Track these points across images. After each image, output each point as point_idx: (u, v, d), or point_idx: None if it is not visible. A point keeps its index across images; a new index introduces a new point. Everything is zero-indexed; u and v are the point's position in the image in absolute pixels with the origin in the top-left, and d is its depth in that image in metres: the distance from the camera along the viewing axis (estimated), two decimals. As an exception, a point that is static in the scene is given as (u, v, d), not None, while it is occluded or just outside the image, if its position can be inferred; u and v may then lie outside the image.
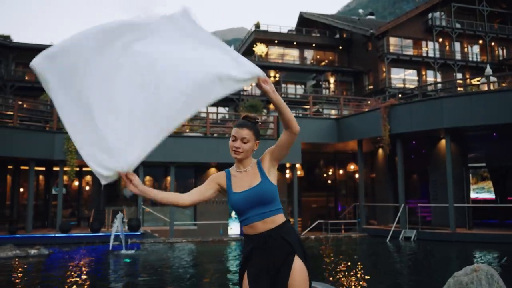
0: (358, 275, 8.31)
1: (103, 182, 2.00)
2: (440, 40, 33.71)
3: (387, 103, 15.84)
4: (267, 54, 35.95)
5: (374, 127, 16.26)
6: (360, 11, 52.16)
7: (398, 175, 15.86)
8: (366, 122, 16.95)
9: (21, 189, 17.90)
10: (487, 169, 15.88)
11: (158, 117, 1.97)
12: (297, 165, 18.43)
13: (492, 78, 16.41)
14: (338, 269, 9.16)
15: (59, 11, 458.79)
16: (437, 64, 32.61)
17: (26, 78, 29.19)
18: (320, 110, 29.25)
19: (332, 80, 35.62)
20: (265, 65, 33.63)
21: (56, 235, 14.73)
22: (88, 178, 20.53)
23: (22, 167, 17.30)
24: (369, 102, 19.80)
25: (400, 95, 19.30)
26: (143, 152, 1.98)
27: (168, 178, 17.55)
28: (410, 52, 33.30)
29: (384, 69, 31.97)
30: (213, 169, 17.77)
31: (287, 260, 2.27)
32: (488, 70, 17.52)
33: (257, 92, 33.55)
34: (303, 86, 35.89)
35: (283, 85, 34.74)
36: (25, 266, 9.87)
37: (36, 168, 16.73)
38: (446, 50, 33.85)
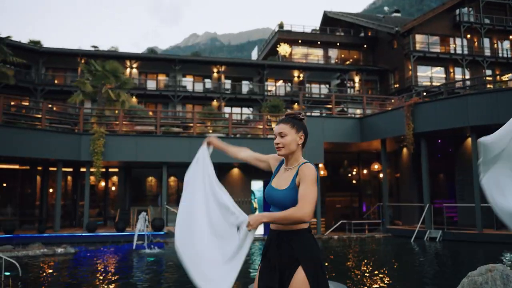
0: (376, 275, 8.22)
1: None
2: (468, 36, 32.90)
3: (411, 102, 15.58)
4: (291, 54, 35.87)
5: (397, 126, 16.02)
6: (386, 8, 51.45)
7: (423, 174, 15.57)
8: (389, 121, 16.71)
9: (50, 190, 18.43)
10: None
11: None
12: (320, 165, 18.33)
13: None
14: (357, 269, 9.08)
15: (86, 16, 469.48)
16: (465, 61, 31.85)
17: (56, 81, 30.07)
18: (345, 109, 29.03)
19: (357, 79, 35.26)
20: (289, 65, 33.59)
21: (83, 234, 15.11)
22: (115, 178, 20.97)
23: (50, 168, 17.82)
24: (392, 100, 19.51)
25: (425, 93, 18.94)
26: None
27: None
28: (437, 49, 32.62)
29: (410, 67, 31.43)
30: (236, 169, 17.88)
31: (292, 268, 2.27)
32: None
33: (281, 92, 33.55)
34: (327, 86, 35.65)
35: (307, 85, 34.59)
36: (52, 264, 10.17)
37: (64, 169, 17.23)
38: (475, 46, 33.01)
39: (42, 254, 11.53)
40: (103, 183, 20.10)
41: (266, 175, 18.09)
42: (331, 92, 33.03)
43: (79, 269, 9.82)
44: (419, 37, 32.31)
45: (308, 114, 22.77)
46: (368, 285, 7.25)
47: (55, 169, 16.53)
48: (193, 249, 2.35)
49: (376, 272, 8.63)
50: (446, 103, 14.91)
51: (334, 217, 19.62)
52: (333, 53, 37.30)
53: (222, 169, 17.64)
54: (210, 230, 2.40)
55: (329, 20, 39.74)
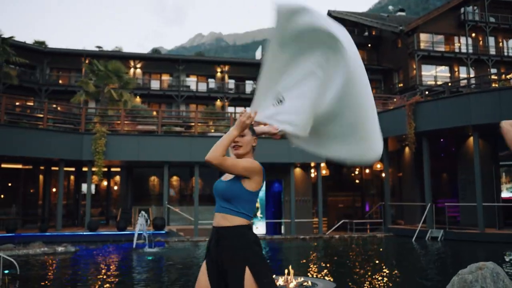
0: (372, 273, 8.17)
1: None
2: (473, 35, 32.68)
3: (412, 100, 15.50)
4: (294, 53, 35.77)
5: (399, 125, 15.94)
6: (390, 7, 51.32)
7: (425, 173, 15.49)
8: (391, 120, 16.63)
9: (54, 189, 18.52)
10: (519, 167, 15.31)
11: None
12: (322, 164, 18.28)
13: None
14: (354, 268, 9.04)
15: (92, 17, 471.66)
16: (470, 59, 31.63)
17: (60, 82, 30.22)
18: (349, 109, 28.94)
19: (361, 78, 35.07)
20: (292, 64, 33.47)
21: (84, 233, 15.17)
22: (117, 178, 21.04)
23: (53, 168, 17.90)
24: (395, 99, 19.42)
25: (427, 92, 18.83)
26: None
27: (193, 178, 17.74)
28: (441, 48, 32.42)
29: (414, 66, 31.27)
30: (237, 169, 17.85)
31: (234, 266, 2.28)
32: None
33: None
34: (331, 85, 35.49)
35: (311, 85, 34.47)
36: (51, 262, 10.21)
37: (66, 168, 17.31)
38: (480, 45, 32.78)
39: (42, 253, 11.58)
40: (105, 183, 20.17)
41: (268, 175, 18.08)
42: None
43: (77, 267, 9.86)
44: (423, 36, 32.14)
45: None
46: (362, 283, 7.21)
47: (57, 168, 16.61)
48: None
49: (372, 271, 8.58)
50: (448, 102, 14.82)
51: (337, 217, 19.57)
52: (337, 52, 37.16)
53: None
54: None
55: (333, 20, 39.59)
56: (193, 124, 18.33)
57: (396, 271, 8.74)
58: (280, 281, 4.16)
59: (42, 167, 18.19)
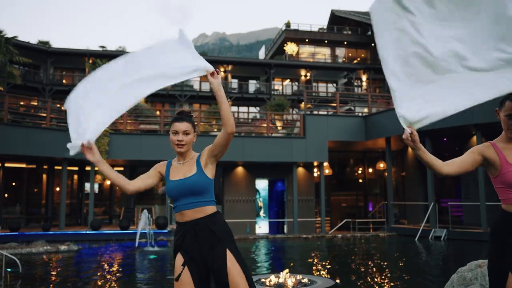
0: (372, 272, 8.15)
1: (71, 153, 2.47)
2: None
3: (415, 99, 15.43)
4: (298, 53, 35.79)
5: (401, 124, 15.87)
6: (394, 7, 51.05)
7: (428, 173, 15.43)
8: (394, 119, 16.52)
9: (57, 188, 18.58)
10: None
11: (114, 102, 2.45)
12: (325, 164, 18.26)
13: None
14: (355, 266, 9.02)
15: (94, 17, 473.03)
16: (474, 59, 31.48)
17: (64, 81, 30.32)
18: (352, 108, 28.87)
19: (364, 78, 35.06)
20: (295, 64, 33.52)
21: (87, 232, 15.22)
22: (120, 177, 21.10)
23: (56, 167, 17.97)
24: (398, 98, 19.34)
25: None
26: (97, 129, 2.44)
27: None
28: (445, 47, 32.26)
29: (418, 66, 31.13)
30: (240, 168, 17.87)
31: (216, 250, 2.35)
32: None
33: (288, 91, 33.49)
34: (334, 85, 35.51)
35: (314, 84, 34.49)
36: (53, 261, 10.25)
37: (69, 168, 17.36)
38: (484, 44, 32.63)
39: (45, 251, 11.63)
40: (108, 182, 20.22)
41: (271, 174, 18.02)
42: (338, 91, 32.88)
43: (80, 266, 9.89)
44: (427, 35, 32.01)
45: (315, 112, 22.71)
46: (362, 281, 7.20)
47: (60, 167, 16.67)
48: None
49: (373, 269, 8.56)
50: (451, 101, 14.74)
51: (339, 216, 19.55)
52: (341, 52, 37.15)
53: (226, 168, 17.66)
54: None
55: (337, 19, 39.59)
56: (195, 123, 18.34)
57: (397, 270, 8.71)
58: (279, 278, 4.16)
59: (45, 166, 18.27)
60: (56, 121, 18.52)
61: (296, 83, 34.33)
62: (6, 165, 16.98)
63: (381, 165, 20.58)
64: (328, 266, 9.18)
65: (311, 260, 10.20)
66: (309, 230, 17.37)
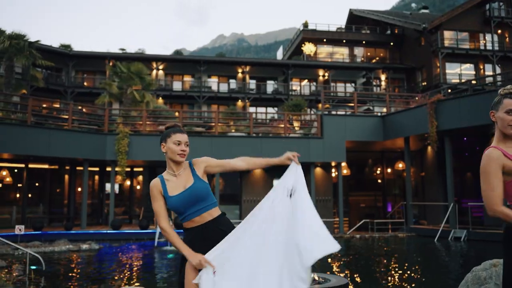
0: (387, 271, 8.14)
1: None
2: (499, 31, 31.95)
3: (434, 99, 15.29)
4: (315, 53, 35.70)
5: (420, 124, 15.75)
6: (413, 5, 50.57)
7: (447, 173, 15.26)
8: (412, 118, 16.45)
9: (79, 189, 18.97)
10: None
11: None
12: (343, 164, 18.20)
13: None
14: (372, 266, 9.01)
15: (115, 20, 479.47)
16: (496, 57, 30.93)
17: (85, 84, 30.89)
18: (371, 108, 28.68)
19: (383, 77, 34.77)
20: (313, 64, 33.44)
21: (108, 231, 15.50)
22: (140, 178, 21.39)
23: (78, 168, 18.35)
24: (416, 98, 19.17)
25: (449, 90, 18.54)
26: None
27: (214, 178, 17.90)
28: (466, 45, 31.78)
29: (438, 64, 30.75)
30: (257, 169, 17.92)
31: None
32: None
33: (305, 91, 33.45)
34: (353, 84, 35.30)
35: (332, 84, 34.34)
36: (75, 259, 10.50)
37: (90, 168, 17.71)
38: (506, 42, 32.02)
39: (67, 250, 11.92)
40: (128, 182, 20.53)
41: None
42: (357, 91, 32.69)
43: (101, 264, 10.11)
44: (447, 34, 31.58)
45: (333, 112, 22.64)
46: (377, 280, 7.20)
47: (82, 168, 17.02)
48: None
49: (389, 269, 8.54)
50: (470, 100, 14.57)
51: (358, 217, 19.45)
52: (359, 51, 36.91)
53: (244, 168, 17.72)
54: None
55: (355, 18, 39.35)
56: (213, 124, 18.50)
57: (413, 270, 8.67)
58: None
59: (67, 167, 18.66)
60: (77, 122, 18.91)
61: (314, 83, 34.25)
62: (30, 166, 17.41)
63: (400, 165, 20.40)
64: (345, 266, 9.19)
65: (327, 260, 10.21)
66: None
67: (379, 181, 21.39)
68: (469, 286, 4.08)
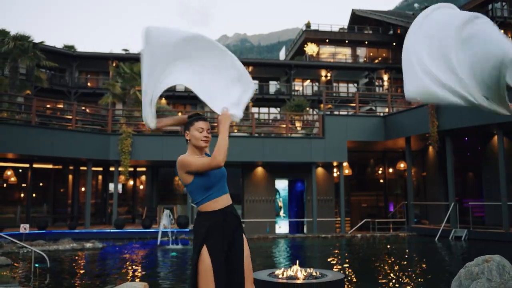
0: (385, 268, 8.24)
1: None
2: (502, 31, 31.80)
3: (435, 99, 15.35)
4: (318, 53, 35.81)
5: (422, 123, 15.84)
6: (416, 5, 50.60)
7: (448, 172, 15.33)
8: (413, 118, 16.54)
9: (82, 189, 19.14)
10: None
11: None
12: (344, 164, 18.30)
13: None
14: (370, 264, 9.11)
15: (119, 20, 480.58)
16: (498, 57, 30.92)
17: (89, 84, 31.10)
18: (373, 108, 28.75)
19: (385, 77, 34.84)
20: (316, 64, 33.54)
21: (111, 230, 15.66)
22: (143, 178, 21.55)
23: (81, 168, 18.53)
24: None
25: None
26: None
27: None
28: (468, 45, 31.81)
29: (440, 64, 30.78)
30: (260, 168, 18.06)
31: (238, 230, 2.71)
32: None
33: (308, 91, 33.55)
34: (355, 85, 35.39)
35: (335, 84, 34.44)
36: (79, 257, 10.65)
37: (94, 168, 17.88)
38: (509, 41, 32.02)
39: (71, 248, 12.07)
40: (131, 182, 20.70)
41: (290, 174, 18.05)
42: (359, 91, 32.77)
43: (104, 262, 10.26)
44: (449, 34, 31.60)
45: (336, 113, 22.75)
46: (374, 277, 7.31)
47: (85, 168, 17.19)
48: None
49: (387, 267, 8.65)
50: (471, 100, 14.62)
51: (359, 217, 19.54)
52: (362, 51, 37.00)
53: (246, 168, 17.88)
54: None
55: (358, 19, 39.44)
56: (216, 124, 18.62)
57: (411, 268, 8.78)
58: (290, 271, 4.34)
59: (71, 167, 18.85)
60: (81, 123, 19.09)
61: (317, 84, 34.36)
62: (34, 166, 17.59)
63: (402, 165, 20.48)
64: (344, 263, 9.30)
65: (328, 258, 10.33)
66: (328, 230, 17.44)
67: (381, 181, 21.48)
68: (462, 281, 4.19)
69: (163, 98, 29.73)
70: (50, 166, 18.44)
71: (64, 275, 8.03)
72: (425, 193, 19.00)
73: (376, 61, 36.36)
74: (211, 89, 2.87)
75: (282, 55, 44.11)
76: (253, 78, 33.03)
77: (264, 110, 32.57)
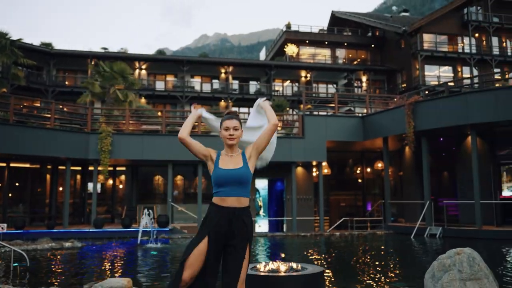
0: (360, 263, 8.46)
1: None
2: (477, 35, 32.83)
3: (411, 100, 15.76)
4: (298, 54, 36.12)
5: (399, 124, 16.21)
6: (394, 8, 51.48)
7: (424, 172, 15.74)
8: (391, 119, 16.90)
9: (60, 188, 18.92)
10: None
11: None
12: (324, 164, 18.56)
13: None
14: (346, 260, 9.33)
15: (98, 19, 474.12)
16: (473, 60, 31.79)
17: (66, 83, 30.70)
18: (352, 109, 29.17)
19: (364, 79, 35.37)
20: (296, 65, 33.84)
21: (90, 230, 15.54)
22: (122, 177, 21.43)
23: (60, 167, 18.31)
24: (395, 99, 19.67)
25: (427, 92, 19.07)
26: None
27: (197, 177, 18.07)
28: (445, 48, 32.61)
29: (417, 67, 31.48)
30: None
31: (241, 237, 2.78)
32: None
33: (288, 92, 33.81)
34: (334, 86, 35.82)
35: (314, 85, 34.80)
36: (58, 257, 10.57)
37: (73, 167, 17.70)
38: (483, 45, 32.93)
39: (50, 248, 11.96)
40: (111, 181, 20.56)
41: (270, 174, 18.15)
42: (339, 92, 33.19)
43: (83, 261, 10.22)
44: (426, 37, 32.33)
45: (315, 113, 23.00)
46: (349, 270, 7.52)
47: (64, 167, 17.00)
48: None
49: (362, 262, 8.87)
50: (446, 101, 15.07)
51: (338, 216, 19.84)
52: (341, 53, 37.47)
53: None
54: None
55: (337, 20, 39.90)
56: (196, 123, 18.66)
57: (387, 263, 9.02)
58: (272, 265, 4.47)
59: (49, 166, 18.60)
60: (59, 121, 18.87)
61: (297, 84, 34.66)
62: (11, 165, 17.32)
63: (379, 165, 20.88)
64: (321, 259, 9.49)
65: (306, 254, 10.51)
66: (308, 228, 17.67)
67: (359, 180, 21.84)
68: (435, 273, 4.39)
69: (143, 98, 29.59)
70: (28, 165, 18.18)
71: (44, 274, 8.00)
72: (402, 192, 19.42)
73: (355, 62, 36.89)
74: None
75: (262, 55, 44.32)
76: (233, 78, 33.19)
77: (244, 110, 32.70)
